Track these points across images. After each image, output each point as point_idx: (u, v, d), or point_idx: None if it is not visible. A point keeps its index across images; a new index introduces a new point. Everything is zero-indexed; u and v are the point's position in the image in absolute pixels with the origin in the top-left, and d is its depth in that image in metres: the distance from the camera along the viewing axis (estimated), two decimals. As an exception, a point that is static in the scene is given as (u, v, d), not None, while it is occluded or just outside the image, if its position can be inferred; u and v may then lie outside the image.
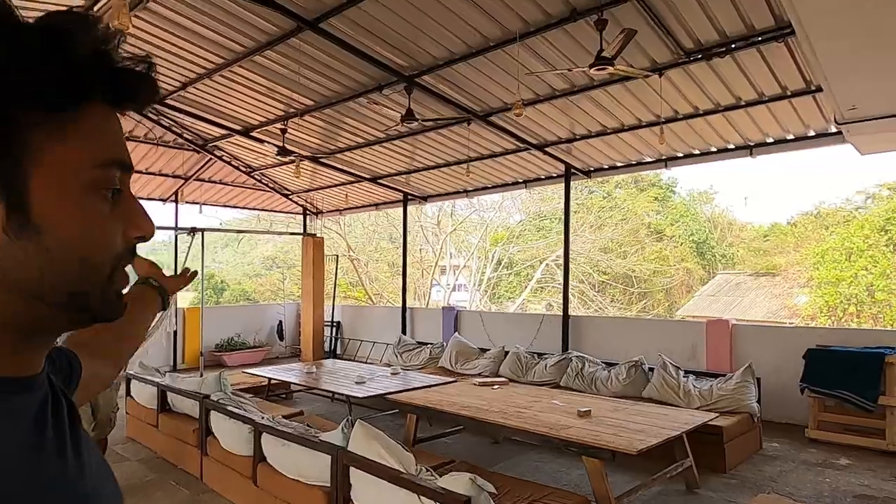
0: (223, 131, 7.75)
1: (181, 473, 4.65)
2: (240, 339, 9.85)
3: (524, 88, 5.81)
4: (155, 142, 8.11)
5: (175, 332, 9.02)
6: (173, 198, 9.49)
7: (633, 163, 7.44)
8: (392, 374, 6.29)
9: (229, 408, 4.15)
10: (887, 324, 15.07)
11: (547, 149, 7.17)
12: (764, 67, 5.03)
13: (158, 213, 9.62)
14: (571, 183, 7.83)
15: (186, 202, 9.53)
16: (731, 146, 6.62)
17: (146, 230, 0.53)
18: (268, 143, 7.31)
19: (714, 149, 6.73)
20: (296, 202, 10.89)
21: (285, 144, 6.98)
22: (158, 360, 9.14)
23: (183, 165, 9.02)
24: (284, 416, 4.99)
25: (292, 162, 7.41)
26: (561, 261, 18.60)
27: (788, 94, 5.39)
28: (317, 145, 8.10)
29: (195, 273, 1.26)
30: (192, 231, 8.63)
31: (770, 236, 22.40)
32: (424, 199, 9.82)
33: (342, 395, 5.33)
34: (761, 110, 5.73)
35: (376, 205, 10.53)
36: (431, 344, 7.95)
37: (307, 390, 6.33)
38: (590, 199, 20.39)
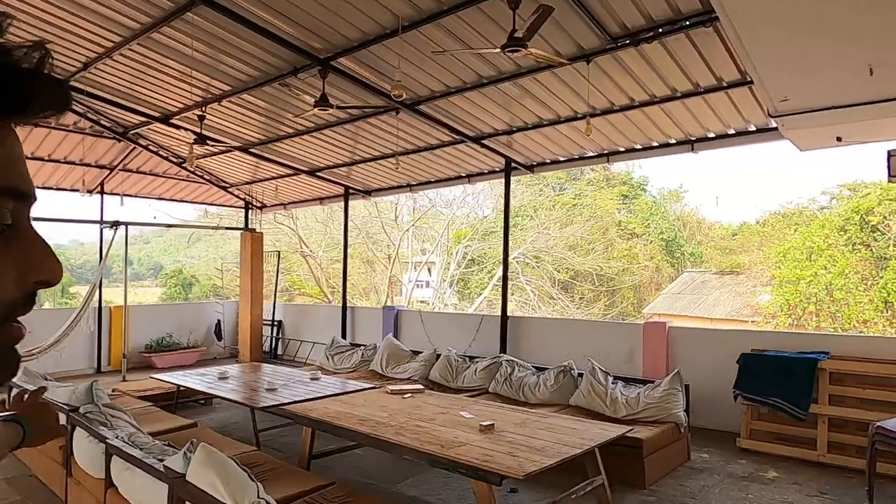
0: (142, 118, 7.23)
1: (49, 495, 4.19)
2: (171, 340, 9.31)
3: (449, 75, 5.44)
4: (69, 128, 7.54)
5: (96, 333, 8.46)
6: (98, 189, 8.91)
7: (576, 157, 7.13)
8: (311, 379, 5.88)
9: (92, 423, 3.70)
10: (844, 322, 15.09)
11: (484, 141, 6.81)
12: (696, 56, 4.73)
13: (83, 205, 9.02)
14: (512, 177, 7.48)
15: (109, 193, 8.95)
16: (673, 140, 6.34)
17: (50, 274, 0.43)
18: (186, 129, 6.81)
19: (655, 143, 6.45)
20: (235, 195, 10.37)
21: (203, 131, 6.49)
22: (80, 362, 8.56)
23: (106, 154, 8.45)
24: (172, 430, 4.57)
25: (215, 154, 6.92)
26: (525, 258, 18.39)
27: (724, 85, 5.10)
28: (250, 135, 7.62)
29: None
30: (115, 225, 8.10)
31: (738, 235, 22.47)
32: (368, 193, 9.39)
33: (241, 403, 4.90)
34: (698, 102, 5.45)
35: (320, 199, 10.08)
36: (364, 346, 7.54)
37: (216, 398, 5.88)
38: (560, 196, 20.15)
